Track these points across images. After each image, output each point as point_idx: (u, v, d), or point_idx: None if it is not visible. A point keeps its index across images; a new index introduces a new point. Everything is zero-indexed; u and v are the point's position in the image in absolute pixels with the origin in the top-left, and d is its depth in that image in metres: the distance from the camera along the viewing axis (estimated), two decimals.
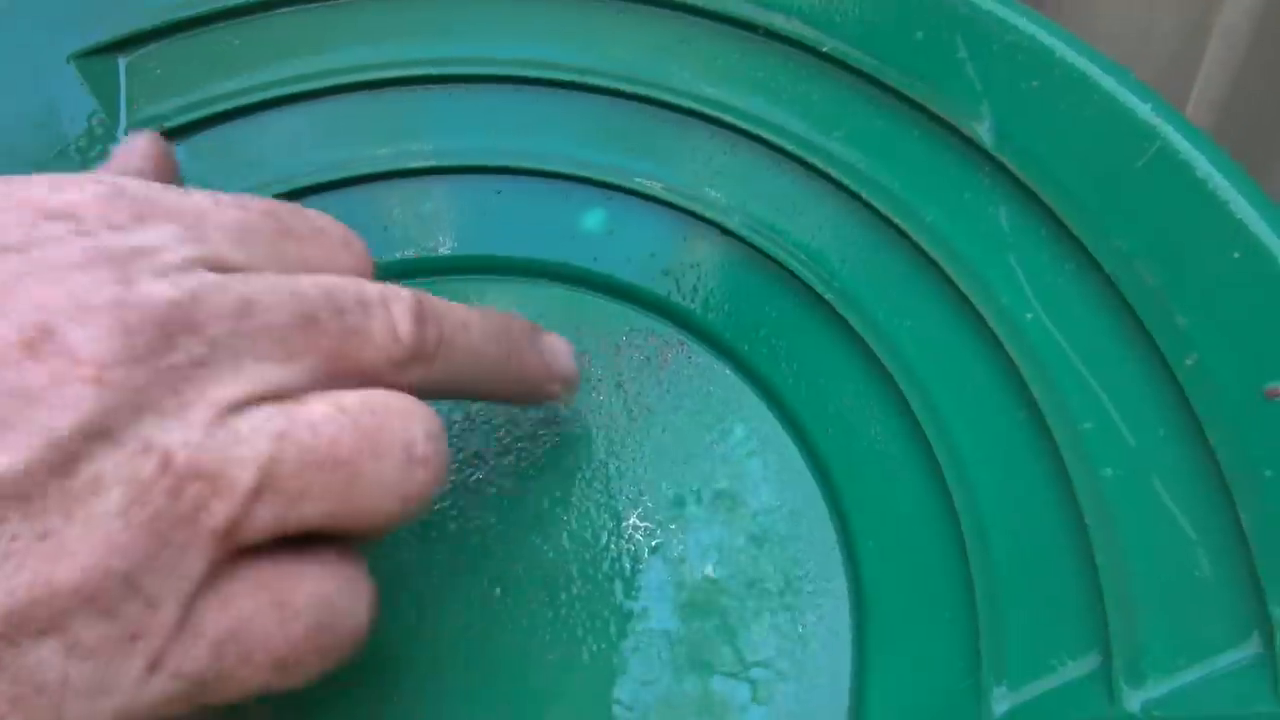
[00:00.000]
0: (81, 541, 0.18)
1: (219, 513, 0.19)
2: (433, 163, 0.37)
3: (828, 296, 0.31)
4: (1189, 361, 0.23)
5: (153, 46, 0.36)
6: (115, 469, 0.18)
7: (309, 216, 0.26)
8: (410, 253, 0.37)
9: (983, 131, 0.28)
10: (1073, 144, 0.27)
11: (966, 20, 0.28)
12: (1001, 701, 0.24)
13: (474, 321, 0.26)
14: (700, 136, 0.34)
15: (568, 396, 0.31)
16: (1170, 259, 0.24)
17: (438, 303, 0.25)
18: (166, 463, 0.19)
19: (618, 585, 0.30)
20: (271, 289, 0.22)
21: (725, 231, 0.34)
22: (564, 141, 0.36)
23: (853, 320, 0.30)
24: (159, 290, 0.20)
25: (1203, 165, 0.24)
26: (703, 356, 0.34)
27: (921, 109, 0.29)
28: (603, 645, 0.29)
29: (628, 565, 0.30)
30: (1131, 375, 0.24)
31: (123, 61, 0.36)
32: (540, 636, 0.29)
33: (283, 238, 0.24)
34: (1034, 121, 0.27)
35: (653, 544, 0.30)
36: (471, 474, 0.33)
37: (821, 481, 0.31)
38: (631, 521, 0.31)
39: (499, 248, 0.37)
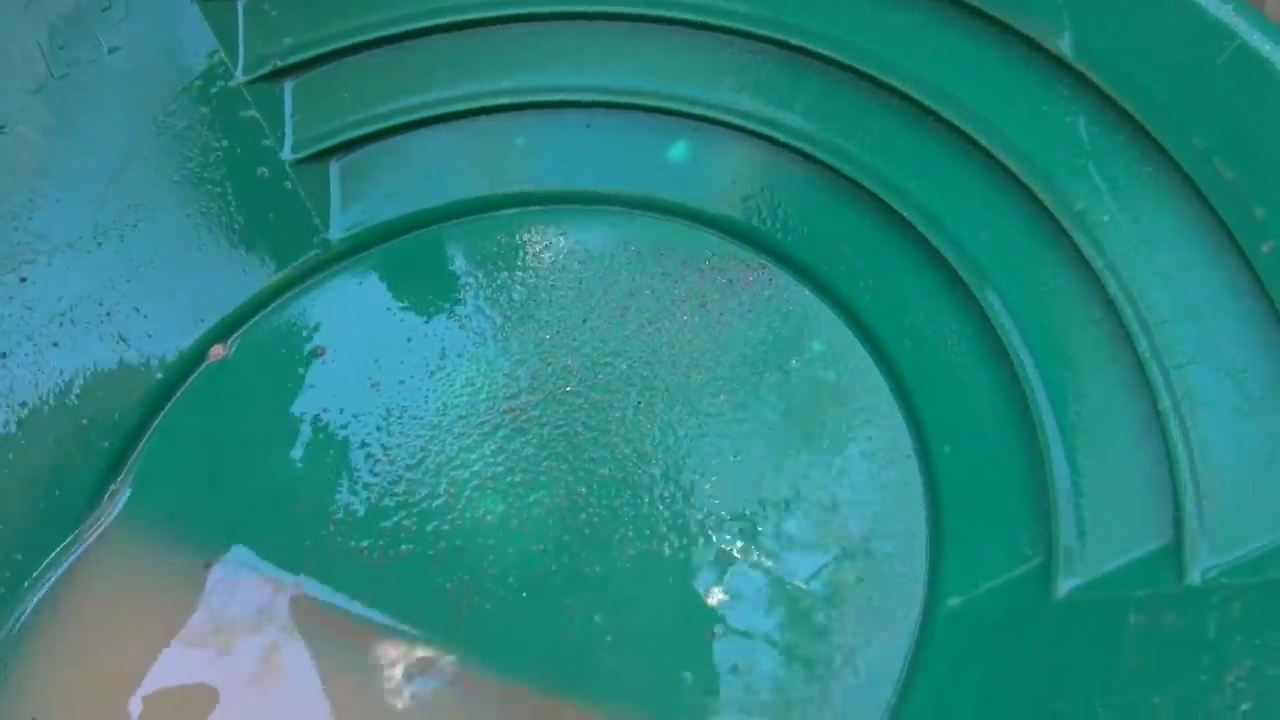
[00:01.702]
0: None
1: None
2: (523, 99, 0.39)
3: (904, 212, 0.32)
4: (1265, 248, 0.24)
5: None
6: None
7: None
8: (504, 187, 0.39)
9: (1064, 44, 0.29)
10: (1152, 49, 0.27)
11: None
12: (1068, 580, 0.24)
13: None
14: (773, 65, 0.35)
15: None
16: (1248, 152, 0.24)
17: None
18: None
19: (698, 486, 0.31)
20: None
21: (804, 156, 0.35)
22: (647, 76, 0.37)
23: (929, 234, 0.31)
24: None
25: (1217, 10, 0.24)
26: (782, 278, 0.35)
27: (1004, 26, 0.30)
28: (681, 540, 0.30)
29: (703, 466, 0.31)
30: (1208, 269, 0.25)
31: (241, 3, 0.38)
32: (623, 531, 0.31)
33: None
34: (1113, 30, 0.28)
35: (737, 438, 0.32)
36: (563, 384, 0.34)
37: (896, 390, 0.32)
38: (707, 429, 0.32)
39: (589, 181, 0.39)
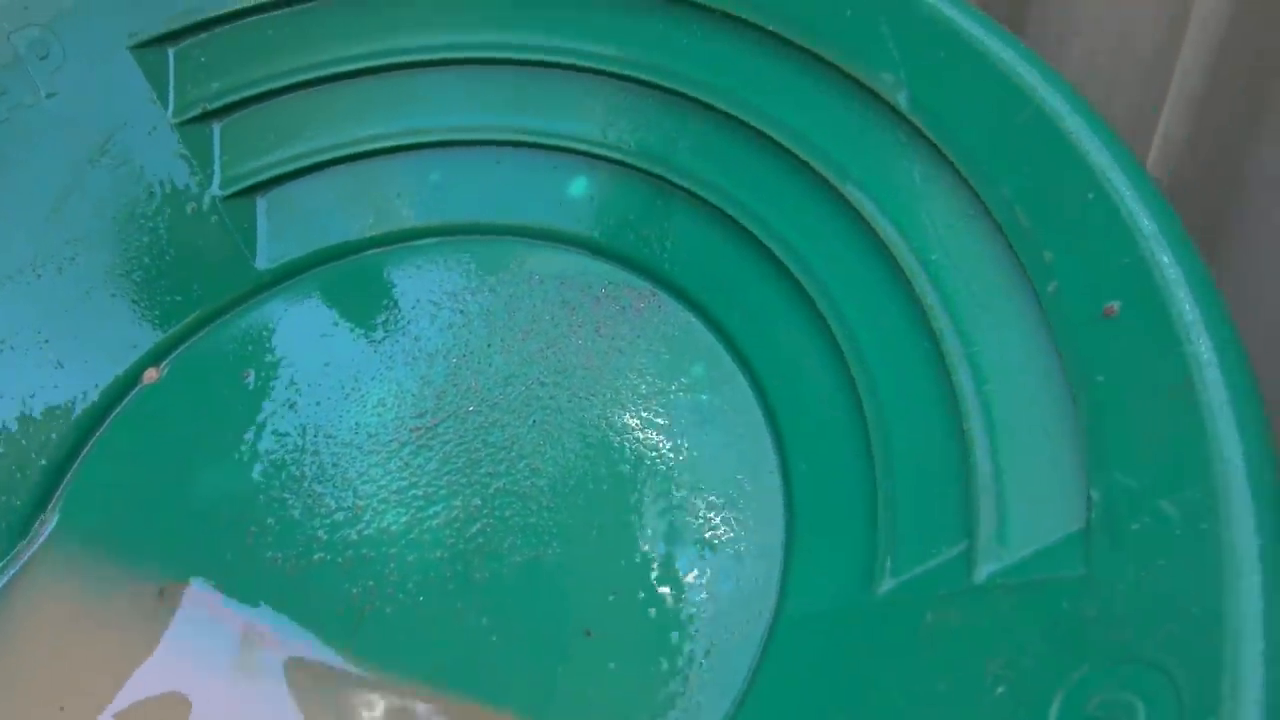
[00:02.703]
0: None
1: None
2: (437, 138, 0.42)
3: (772, 247, 0.35)
4: (1050, 288, 0.27)
5: (196, 38, 0.41)
6: None
7: None
8: (419, 219, 0.42)
9: (901, 100, 0.32)
10: (972, 107, 0.30)
11: (890, 1, 0.32)
12: (887, 582, 0.28)
13: None
14: (669, 109, 0.38)
15: None
16: (1040, 203, 0.28)
17: None
18: None
19: (582, 497, 0.34)
20: None
21: (692, 195, 0.38)
22: (549, 117, 0.40)
23: (791, 265, 0.34)
24: None
25: (1071, 122, 0.28)
26: (670, 305, 0.39)
27: (856, 82, 0.33)
28: (562, 547, 0.33)
29: (588, 479, 0.35)
30: (1010, 306, 0.28)
31: (172, 51, 0.41)
32: (511, 539, 0.34)
33: None
34: (942, 89, 0.31)
35: (621, 454, 0.35)
36: (467, 404, 0.37)
37: (764, 411, 0.35)
38: (607, 439, 0.35)
39: (497, 214, 0.42)
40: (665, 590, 0.32)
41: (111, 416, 0.39)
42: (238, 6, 0.41)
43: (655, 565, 0.33)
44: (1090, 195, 0.27)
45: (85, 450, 0.39)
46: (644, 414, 0.36)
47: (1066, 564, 0.24)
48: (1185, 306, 0.24)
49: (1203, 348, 0.23)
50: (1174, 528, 0.22)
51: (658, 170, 0.39)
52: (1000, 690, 0.23)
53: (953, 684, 0.24)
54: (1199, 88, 0.47)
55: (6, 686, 0.33)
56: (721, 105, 0.37)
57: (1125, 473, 0.23)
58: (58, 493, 0.38)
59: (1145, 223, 0.25)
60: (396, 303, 0.41)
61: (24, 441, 0.38)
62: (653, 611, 0.32)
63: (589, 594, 0.32)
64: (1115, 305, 0.25)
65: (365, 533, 0.35)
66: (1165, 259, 0.25)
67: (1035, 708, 0.22)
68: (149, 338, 0.40)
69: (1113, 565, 0.22)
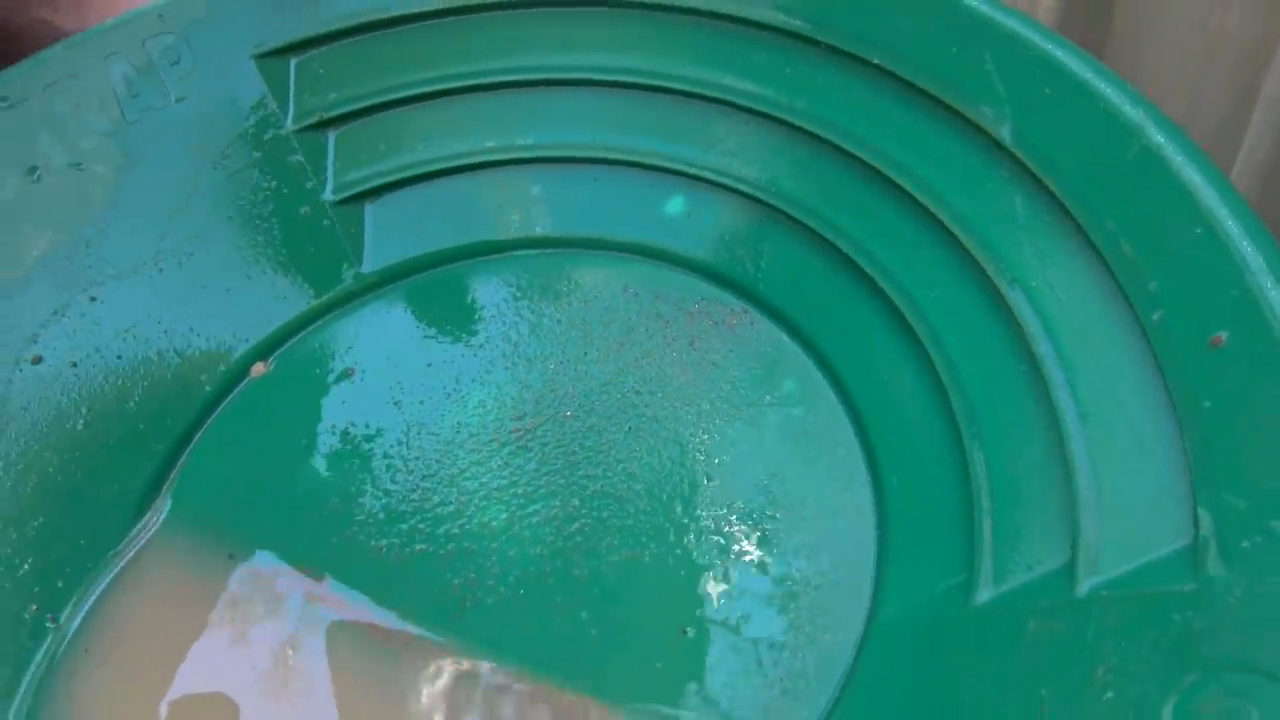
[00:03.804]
0: None
1: None
2: (540, 154, 0.43)
3: (870, 271, 0.36)
4: (1155, 317, 0.28)
5: (317, 51, 0.43)
6: None
7: None
8: (519, 231, 0.44)
9: (1005, 133, 0.33)
10: (1076, 142, 0.32)
11: (995, 38, 0.34)
12: (986, 592, 0.29)
13: None
14: (772, 135, 0.40)
15: None
16: (1147, 235, 0.29)
17: None
18: None
19: (677, 503, 0.36)
20: None
21: (786, 215, 0.39)
22: (649, 137, 0.42)
23: (889, 291, 0.36)
24: None
25: (1176, 159, 0.29)
26: (763, 323, 0.40)
27: (960, 115, 0.35)
28: (659, 548, 0.35)
29: (682, 486, 0.36)
30: (1111, 332, 0.29)
31: (294, 61, 0.43)
32: (609, 539, 0.35)
33: None
34: (1046, 124, 0.32)
35: (715, 462, 0.36)
36: (564, 409, 0.39)
37: (855, 427, 0.36)
38: (688, 453, 0.37)
39: (595, 228, 0.43)
40: (759, 593, 0.33)
41: (221, 407, 0.41)
42: (358, 22, 0.43)
43: (750, 569, 0.34)
44: (1198, 230, 0.28)
45: (196, 438, 0.40)
46: (737, 425, 0.37)
47: (1175, 578, 0.25)
48: None
49: None
50: None
51: (757, 194, 0.40)
52: (1109, 695, 0.24)
53: (1057, 690, 0.25)
54: (1265, 161, 0.48)
55: (121, 667, 0.35)
56: (824, 134, 0.38)
57: (1234, 494, 0.24)
58: (170, 478, 0.39)
59: (1252, 257, 0.26)
60: (496, 310, 0.42)
61: (142, 426, 0.39)
62: (747, 614, 0.33)
63: (685, 594, 0.34)
64: (1223, 335, 0.26)
65: (467, 527, 0.36)
66: (1273, 292, 0.26)
67: (1147, 711, 0.23)
68: (258, 333, 0.42)
69: (1223, 581, 0.23)
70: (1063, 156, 0.32)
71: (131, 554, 0.37)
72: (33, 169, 0.39)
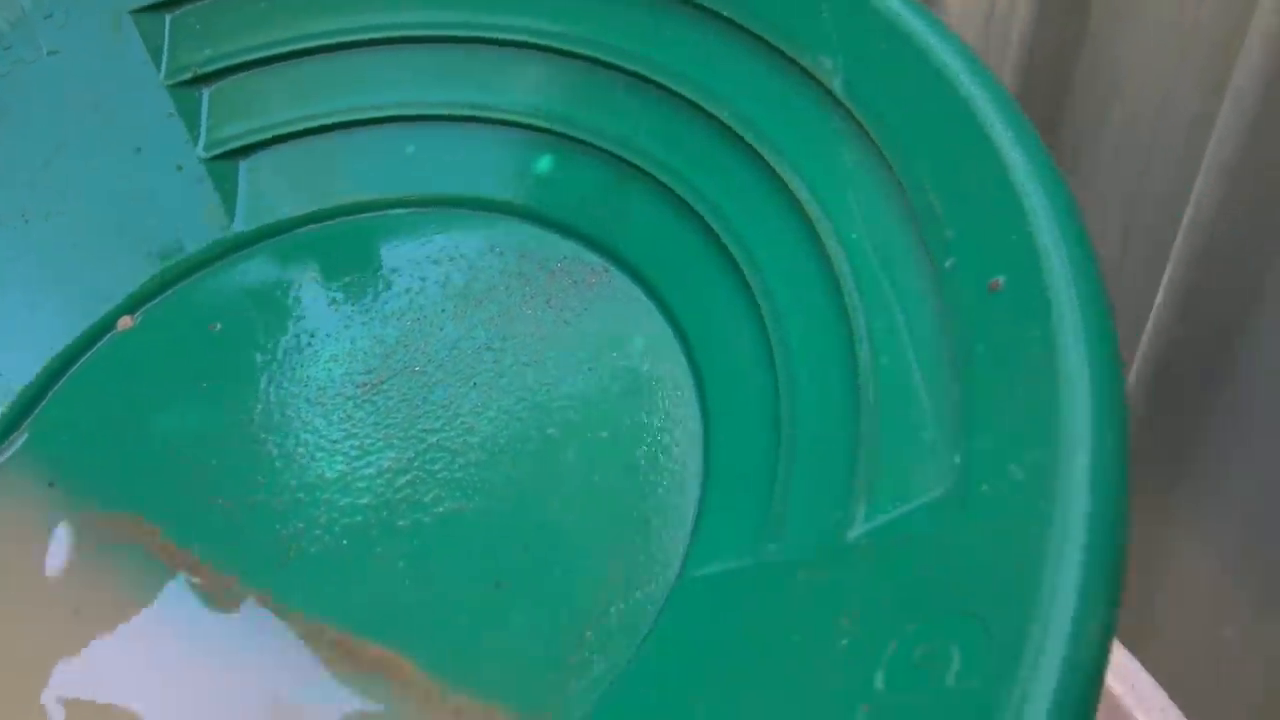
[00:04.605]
0: None
1: None
2: (414, 111, 0.43)
3: (714, 225, 0.36)
4: (948, 264, 0.27)
5: (193, 6, 0.43)
6: None
7: None
8: (392, 190, 0.44)
9: (837, 84, 0.33)
10: (901, 96, 0.31)
11: None
12: (772, 547, 0.28)
13: None
14: (627, 91, 0.39)
15: None
16: (951, 185, 0.28)
17: None
18: None
19: (509, 454, 0.35)
20: None
21: (646, 174, 0.39)
22: (521, 94, 0.42)
23: (730, 244, 0.35)
24: None
25: (984, 109, 0.28)
26: (620, 280, 0.39)
27: (793, 62, 0.34)
28: (482, 500, 0.34)
29: (518, 438, 0.36)
30: (912, 281, 0.29)
31: (169, 17, 0.43)
32: (436, 491, 0.35)
33: None
34: (875, 77, 0.32)
35: (552, 418, 0.36)
36: (414, 363, 0.39)
37: (695, 381, 0.36)
38: (541, 403, 0.36)
39: (466, 187, 0.43)
40: (575, 548, 0.33)
41: (84, 358, 0.41)
42: None
43: (569, 525, 0.33)
44: (992, 177, 0.27)
45: (58, 386, 0.41)
46: (580, 381, 0.37)
47: (921, 525, 0.24)
48: (1060, 283, 0.24)
49: (1068, 322, 0.23)
50: (1017, 490, 0.22)
51: (618, 150, 0.40)
52: (844, 642, 0.23)
53: (805, 636, 0.24)
54: (1232, 158, 0.47)
55: None
56: (678, 88, 0.38)
57: (983, 437, 0.24)
58: (30, 418, 0.40)
59: (1037, 202, 0.26)
60: (362, 268, 0.42)
61: (2, 370, 0.40)
62: (561, 569, 0.33)
63: (504, 548, 0.33)
64: (1000, 280, 0.26)
65: (303, 478, 0.36)
66: (1048, 238, 0.25)
67: (870, 658, 0.22)
68: (125, 288, 0.42)
69: (958, 526, 0.23)
70: (888, 110, 0.31)
71: None
72: None
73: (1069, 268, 0.24)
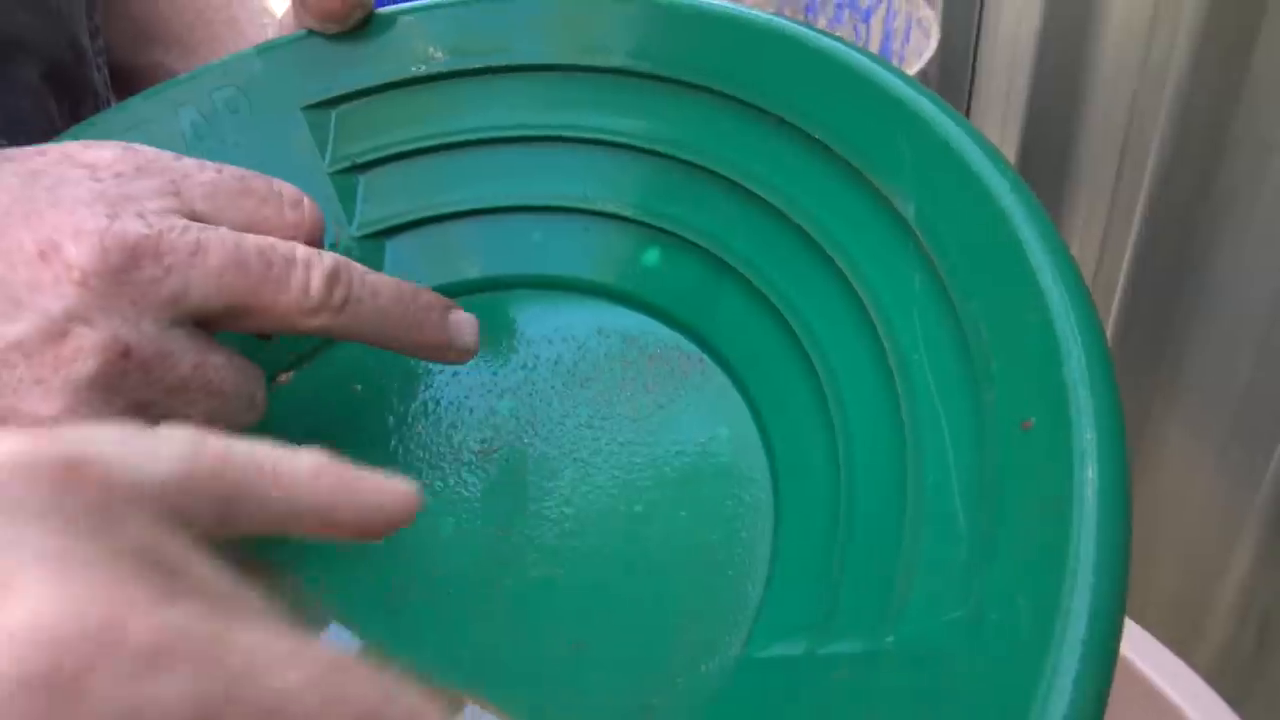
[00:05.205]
0: (61, 392, 0.28)
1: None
2: (544, 203, 0.48)
3: (793, 325, 0.39)
4: (989, 396, 0.30)
5: (355, 103, 0.49)
6: (91, 346, 0.28)
7: (270, 182, 0.36)
8: (518, 270, 0.49)
9: (910, 211, 0.36)
10: (965, 230, 0.34)
11: (910, 122, 0.36)
12: (820, 639, 0.31)
13: (384, 289, 0.36)
14: (734, 200, 0.43)
15: (464, 359, 0.41)
16: (1000, 324, 0.31)
17: (355, 269, 0.35)
18: (126, 350, 0.29)
19: (600, 529, 0.39)
20: (221, 238, 0.31)
21: (739, 275, 0.43)
22: (634, 193, 0.46)
23: (812, 355, 0.39)
24: (135, 226, 0.30)
25: (1036, 256, 0.31)
26: (712, 370, 0.43)
27: (873, 186, 0.37)
28: (573, 572, 0.38)
29: (609, 515, 0.40)
30: (962, 409, 0.31)
31: (334, 113, 0.49)
32: (534, 556, 0.39)
33: (244, 196, 0.34)
34: (943, 209, 0.35)
35: (641, 496, 0.40)
36: (523, 436, 0.43)
37: (771, 472, 0.39)
38: (631, 481, 0.40)
39: (583, 272, 0.48)
40: (650, 618, 0.37)
41: None
42: (391, 79, 0.49)
43: (647, 595, 0.37)
44: (1036, 321, 0.30)
45: None
46: (667, 464, 0.41)
47: (943, 641, 0.27)
48: (1085, 435, 0.27)
49: (1086, 475, 0.26)
50: (1020, 620, 0.24)
51: (714, 249, 0.43)
52: None
53: None
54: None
55: None
56: (770, 198, 0.41)
57: (1000, 566, 0.26)
58: None
59: (1073, 350, 0.28)
60: (487, 342, 0.47)
61: None
62: (636, 636, 0.36)
63: (587, 614, 0.37)
64: (1032, 421, 0.28)
65: (417, 530, 0.41)
66: (1082, 392, 0.27)
67: None
68: (290, 348, 0.48)
69: (971, 648, 0.25)
70: (954, 240, 0.34)
71: None
72: None
73: (1093, 420, 0.27)
